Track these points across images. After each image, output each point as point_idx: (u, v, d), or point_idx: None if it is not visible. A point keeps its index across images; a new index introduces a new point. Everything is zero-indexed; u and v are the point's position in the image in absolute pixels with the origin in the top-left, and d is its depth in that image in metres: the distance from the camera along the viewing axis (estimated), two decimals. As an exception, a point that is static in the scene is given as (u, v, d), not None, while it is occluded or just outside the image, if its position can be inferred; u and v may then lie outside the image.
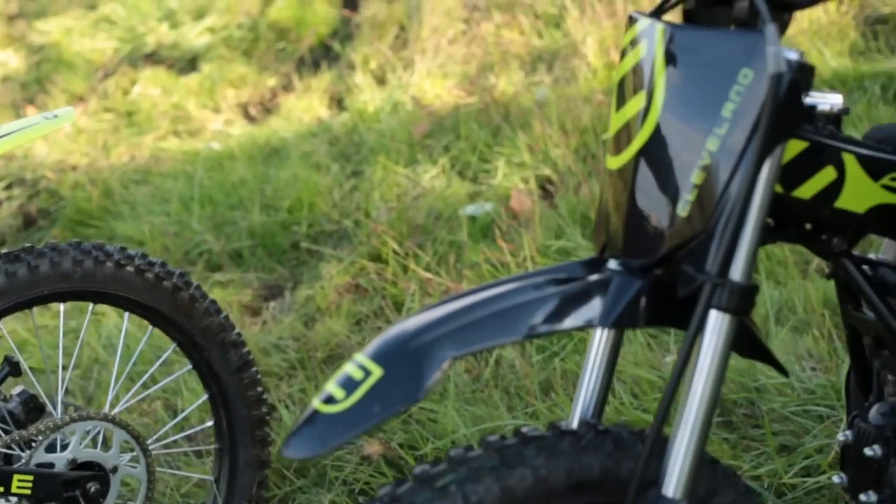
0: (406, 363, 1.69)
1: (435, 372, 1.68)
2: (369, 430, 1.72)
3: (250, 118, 6.51)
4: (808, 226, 1.96)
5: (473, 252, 4.28)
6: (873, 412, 2.12)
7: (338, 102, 6.26)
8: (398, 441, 3.46)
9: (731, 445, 3.25)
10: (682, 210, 1.75)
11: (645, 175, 1.81)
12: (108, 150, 6.23)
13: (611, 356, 1.96)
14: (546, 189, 4.80)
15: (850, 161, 1.89)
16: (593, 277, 1.80)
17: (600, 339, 1.95)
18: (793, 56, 1.72)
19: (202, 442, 3.59)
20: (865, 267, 2.05)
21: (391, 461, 3.42)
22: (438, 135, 5.37)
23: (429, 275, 4.24)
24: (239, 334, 3.07)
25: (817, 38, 5.41)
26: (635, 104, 1.82)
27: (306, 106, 6.25)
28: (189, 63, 7.07)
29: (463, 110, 5.49)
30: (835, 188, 1.89)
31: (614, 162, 1.86)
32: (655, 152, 1.79)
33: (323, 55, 6.84)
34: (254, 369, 3.08)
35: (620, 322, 1.77)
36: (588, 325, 1.77)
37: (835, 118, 1.90)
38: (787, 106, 1.69)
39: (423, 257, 4.35)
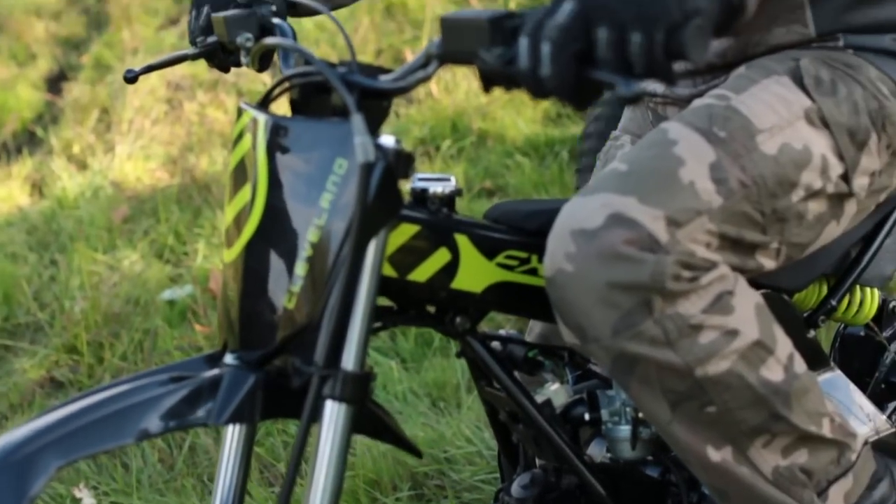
0: (8, 475, 1.64)
1: (39, 482, 1.63)
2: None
3: (-50, 211, 6.31)
4: (430, 308, 1.97)
5: (166, 338, 4.22)
6: (515, 485, 2.14)
7: (39, 189, 6.12)
8: (87, 540, 3.37)
9: (422, 518, 3.27)
10: (290, 302, 1.74)
11: (254, 268, 1.79)
12: None
13: (244, 450, 1.93)
14: (247, 269, 4.76)
15: (463, 242, 1.91)
16: (210, 373, 1.77)
17: (231, 435, 1.93)
18: (389, 143, 1.71)
19: None
20: (495, 343, 2.08)
21: (80, 562, 3.33)
22: (138, 218, 5.30)
23: (124, 363, 4.16)
24: None
25: (511, 105, 5.54)
26: (243, 197, 1.81)
27: (6, 194, 6.09)
28: None
29: (164, 193, 5.43)
30: (450, 269, 1.91)
31: (228, 255, 1.84)
32: (262, 245, 1.78)
33: (26, 141, 6.69)
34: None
35: (235, 418, 1.75)
36: (202, 423, 1.74)
37: (448, 199, 1.92)
38: (383, 193, 1.69)
39: (118, 346, 4.27)
